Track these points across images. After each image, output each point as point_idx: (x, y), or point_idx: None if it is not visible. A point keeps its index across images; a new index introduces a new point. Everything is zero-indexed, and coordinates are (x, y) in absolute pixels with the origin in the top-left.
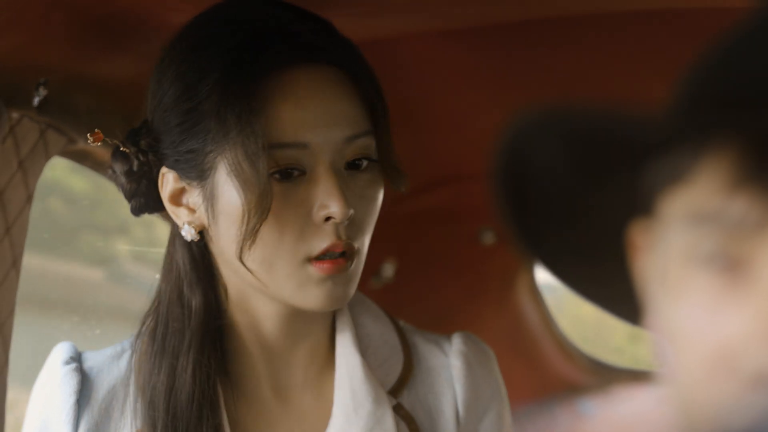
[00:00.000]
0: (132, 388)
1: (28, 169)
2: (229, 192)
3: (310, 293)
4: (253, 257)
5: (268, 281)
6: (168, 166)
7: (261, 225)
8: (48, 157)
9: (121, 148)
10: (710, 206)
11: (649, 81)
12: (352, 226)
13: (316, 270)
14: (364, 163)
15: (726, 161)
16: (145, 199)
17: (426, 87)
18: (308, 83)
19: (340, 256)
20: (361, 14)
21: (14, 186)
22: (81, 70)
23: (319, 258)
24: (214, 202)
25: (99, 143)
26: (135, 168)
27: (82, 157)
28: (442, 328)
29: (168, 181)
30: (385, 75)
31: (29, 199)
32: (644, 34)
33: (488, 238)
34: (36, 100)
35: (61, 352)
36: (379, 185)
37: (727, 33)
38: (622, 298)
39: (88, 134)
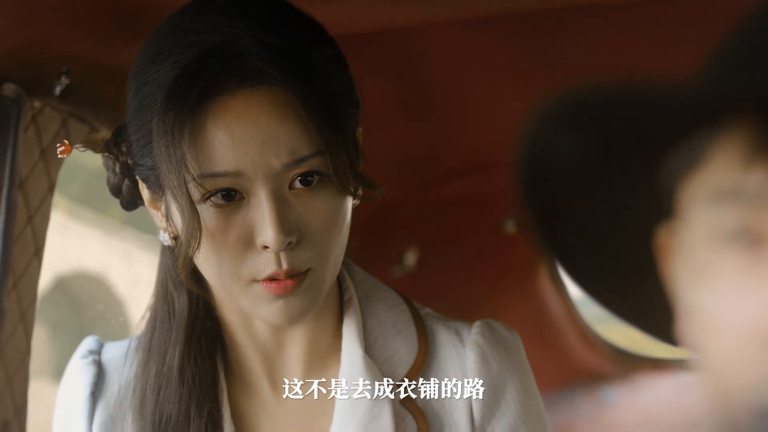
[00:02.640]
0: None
1: (50, 158)
2: (176, 213)
3: (264, 310)
4: (206, 275)
5: (225, 297)
6: (137, 175)
7: (192, 254)
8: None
9: (104, 153)
10: (728, 183)
11: (672, 66)
12: (302, 248)
13: (263, 290)
14: (316, 178)
15: (740, 138)
16: (130, 197)
17: (449, 76)
18: (243, 109)
19: (288, 277)
20: (385, 3)
21: (36, 175)
22: (103, 59)
23: (266, 279)
24: (171, 218)
25: (67, 155)
26: (118, 169)
27: None
28: (464, 316)
29: (143, 186)
30: (409, 64)
31: (51, 188)
32: (667, 19)
33: (511, 226)
34: (58, 90)
35: (83, 345)
36: (337, 199)
37: (747, 14)
38: (643, 307)
39: (57, 145)
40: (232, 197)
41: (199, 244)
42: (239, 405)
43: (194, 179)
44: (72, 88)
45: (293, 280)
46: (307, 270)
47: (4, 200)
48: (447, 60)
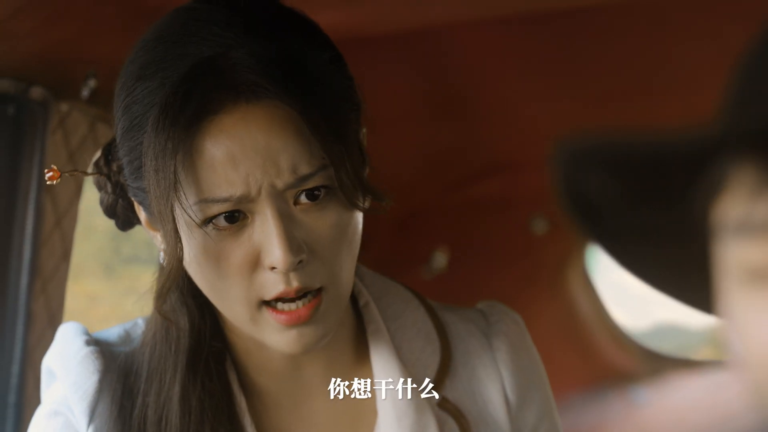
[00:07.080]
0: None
1: (77, 161)
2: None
3: (276, 339)
4: (214, 301)
5: (235, 323)
6: (130, 196)
7: (169, 287)
8: (97, 149)
9: (94, 173)
10: (741, 214)
11: (698, 69)
12: (312, 265)
13: (274, 319)
14: (322, 192)
15: (750, 170)
16: (126, 217)
17: (477, 76)
18: (242, 128)
19: (301, 301)
20: (412, 3)
21: (64, 178)
22: None
23: (276, 305)
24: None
25: (56, 181)
26: (110, 189)
27: None
28: None
29: (140, 207)
30: (436, 65)
31: (79, 191)
32: (694, 19)
33: (540, 226)
34: (85, 92)
35: (75, 331)
36: (346, 211)
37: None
38: (689, 283)
39: (45, 171)
40: (235, 219)
41: (175, 279)
42: (263, 424)
43: (190, 207)
44: (99, 91)
45: (307, 308)
46: (320, 289)
47: (32, 203)
48: (474, 60)
